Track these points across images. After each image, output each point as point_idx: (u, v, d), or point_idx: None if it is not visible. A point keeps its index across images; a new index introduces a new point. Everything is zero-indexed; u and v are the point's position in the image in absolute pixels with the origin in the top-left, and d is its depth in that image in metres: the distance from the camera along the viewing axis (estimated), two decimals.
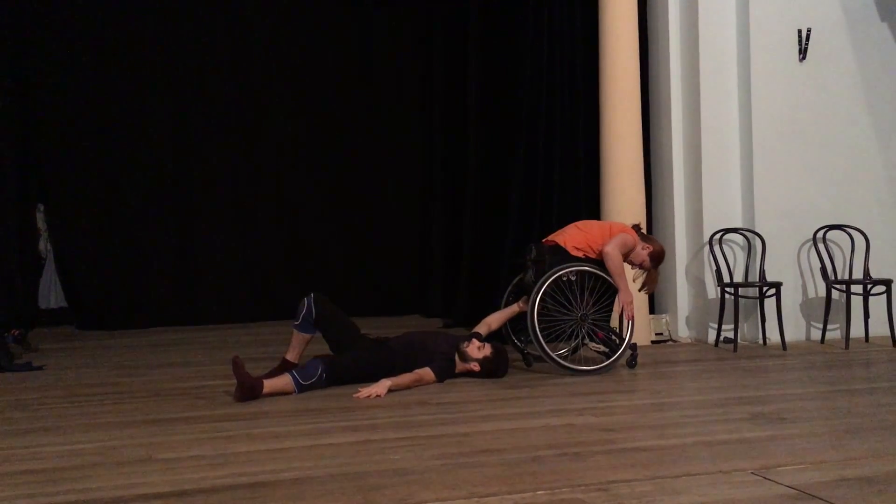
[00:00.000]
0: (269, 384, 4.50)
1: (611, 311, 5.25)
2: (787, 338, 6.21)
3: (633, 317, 5.16)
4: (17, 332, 6.40)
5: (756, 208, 6.48)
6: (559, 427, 3.71)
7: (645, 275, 5.42)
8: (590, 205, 6.82)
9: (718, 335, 6.35)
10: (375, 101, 9.06)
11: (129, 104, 8.33)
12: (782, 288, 6.23)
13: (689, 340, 6.64)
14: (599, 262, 5.20)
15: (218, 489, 2.85)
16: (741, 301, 6.25)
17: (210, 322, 8.23)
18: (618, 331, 5.30)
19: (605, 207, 6.47)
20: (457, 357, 4.94)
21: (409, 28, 9.10)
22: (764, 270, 6.39)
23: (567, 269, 5.12)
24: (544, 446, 3.37)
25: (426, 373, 4.77)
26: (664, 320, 6.70)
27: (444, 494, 2.76)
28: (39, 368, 5.62)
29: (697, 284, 6.65)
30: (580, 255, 5.20)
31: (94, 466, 3.16)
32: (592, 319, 5.18)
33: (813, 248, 6.52)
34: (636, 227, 5.47)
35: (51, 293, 8.62)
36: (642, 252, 5.31)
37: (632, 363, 5.30)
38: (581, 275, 5.15)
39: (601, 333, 5.19)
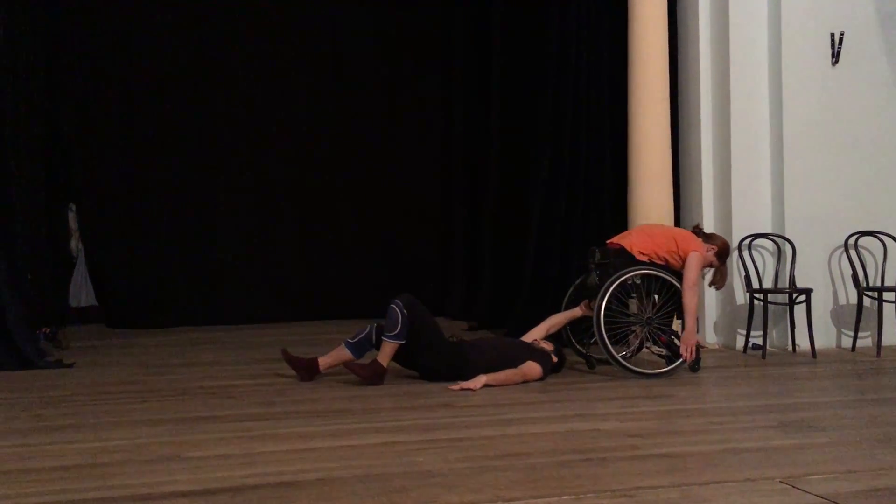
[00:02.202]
0: (324, 361, 4.84)
1: (674, 315, 5.29)
2: (817, 345, 6.13)
3: (690, 360, 5.15)
4: (48, 329, 6.49)
5: (786, 213, 6.41)
6: (584, 432, 3.69)
7: (713, 271, 5.47)
8: (616, 208, 6.78)
9: (747, 342, 6.28)
10: (396, 101, 9.08)
11: (156, 108, 8.42)
12: (812, 294, 6.15)
13: (717, 346, 6.58)
14: (663, 266, 5.24)
15: (244, 488, 2.87)
16: (770, 307, 6.18)
17: (233, 322, 8.29)
18: (680, 335, 5.31)
19: (631, 211, 6.42)
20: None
21: (431, 27, 9.11)
22: (794, 276, 6.32)
23: (633, 273, 5.14)
24: (569, 451, 3.35)
25: (530, 367, 4.85)
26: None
27: (469, 498, 2.75)
28: (70, 366, 5.69)
29: (726, 290, 6.57)
30: (645, 259, 5.25)
31: (123, 464, 3.20)
32: (657, 323, 5.21)
33: (844, 255, 6.43)
34: (697, 229, 5.55)
35: (81, 292, 8.73)
36: (708, 254, 5.38)
37: (695, 367, 5.29)
38: (646, 278, 5.19)
39: (664, 337, 5.22)
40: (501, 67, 7.85)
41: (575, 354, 5.52)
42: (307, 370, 4.92)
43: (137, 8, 8.38)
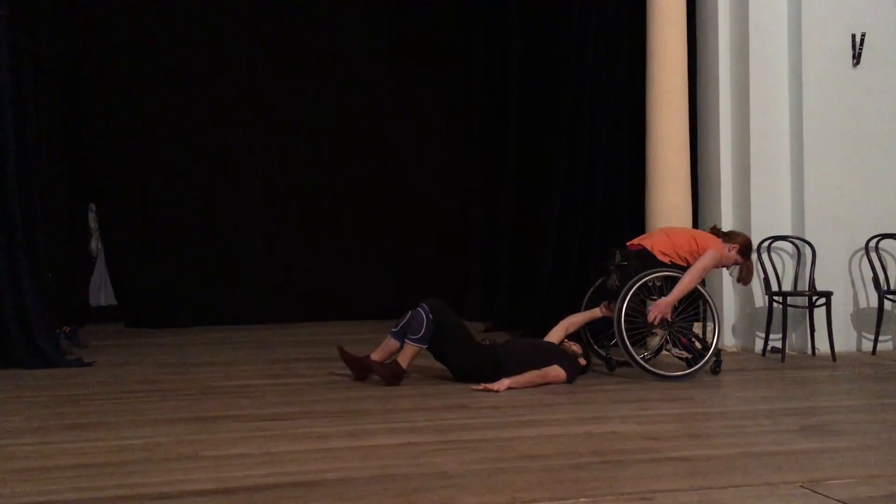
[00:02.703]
0: (376, 354, 4.87)
1: (695, 317, 5.28)
2: (837, 348, 6.08)
3: (652, 320, 5.11)
4: (68, 328, 6.54)
5: (806, 216, 6.36)
6: (602, 434, 3.68)
7: (739, 268, 5.47)
8: (634, 211, 6.75)
9: (766, 344, 6.24)
10: (412, 102, 9.06)
11: (174, 112, 8.47)
12: (833, 297, 6.10)
13: (735, 349, 6.54)
14: (685, 268, 5.23)
15: (262, 488, 2.88)
16: (790, 310, 6.14)
17: (250, 322, 8.33)
18: (701, 337, 5.30)
19: (650, 214, 6.39)
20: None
21: (448, 31, 9.10)
22: (814, 279, 6.27)
23: (654, 275, 5.13)
24: (587, 453, 3.34)
25: (553, 370, 4.85)
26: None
27: (487, 499, 2.75)
28: (89, 365, 5.73)
29: (744, 292, 6.54)
30: (667, 260, 5.24)
31: (141, 462, 3.22)
32: (678, 325, 5.20)
33: (865, 258, 6.37)
34: (715, 230, 5.54)
35: (101, 291, 8.80)
36: (731, 254, 5.36)
37: (715, 370, 5.27)
38: (668, 281, 5.19)
39: (684, 339, 5.21)
40: (519, 72, 7.85)
41: (594, 356, 5.51)
42: (360, 369, 4.91)
43: (157, 12, 8.43)
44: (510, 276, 7.84)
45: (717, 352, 5.30)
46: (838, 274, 6.39)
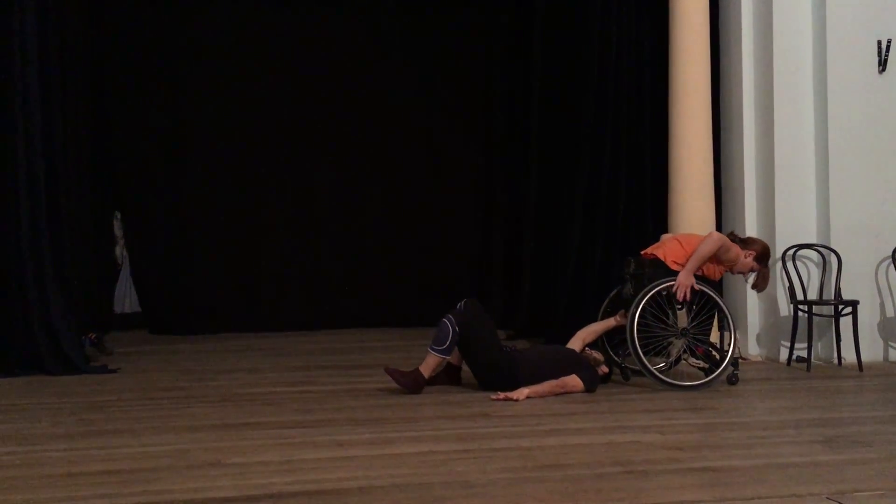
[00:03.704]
0: (424, 368, 4.83)
1: (711, 326, 5.23)
2: (864, 358, 6.00)
3: (684, 299, 5.08)
4: (93, 335, 6.60)
5: (832, 224, 6.29)
6: (624, 444, 3.66)
7: (755, 274, 5.41)
8: (656, 218, 6.72)
9: (791, 354, 6.18)
10: (436, 111, 9.08)
11: (199, 118, 8.54)
12: (859, 306, 6.03)
13: (760, 359, 6.48)
14: (699, 276, 5.18)
15: (284, 495, 2.90)
16: (815, 319, 6.07)
17: (273, 329, 8.37)
18: (718, 346, 5.25)
19: (672, 221, 6.36)
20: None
21: (469, 42, 9.12)
22: (840, 288, 6.20)
23: (667, 283, 5.10)
24: (609, 463, 3.32)
25: (572, 380, 4.84)
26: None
27: None
28: (114, 371, 5.79)
29: (769, 301, 6.48)
30: (679, 269, 5.18)
31: (166, 469, 3.24)
32: (693, 334, 5.16)
33: (892, 266, 6.30)
34: (732, 236, 5.48)
35: (125, 298, 8.90)
36: (747, 260, 5.30)
37: (732, 380, 5.22)
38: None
39: (701, 348, 5.17)
40: (540, 83, 7.85)
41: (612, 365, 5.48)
42: (413, 384, 4.81)
43: (184, 20, 8.52)
44: (533, 284, 7.83)
45: (735, 361, 5.25)
46: (864, 283, 6.31)
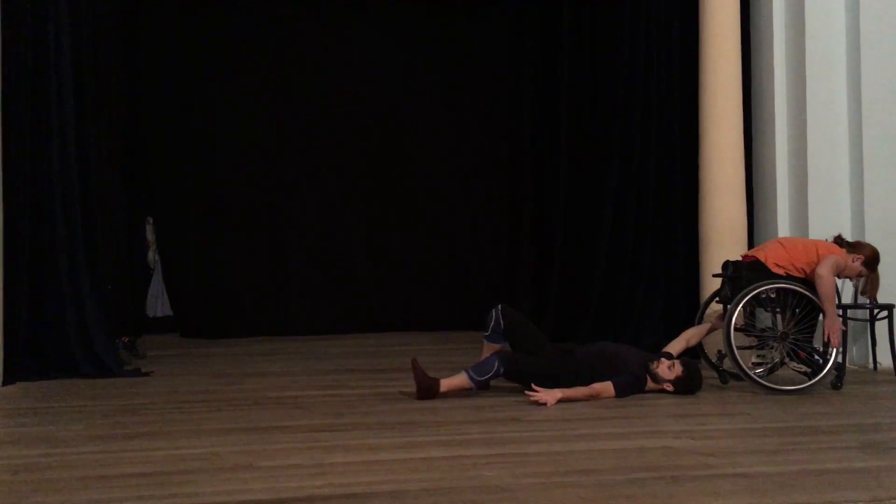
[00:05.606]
0: (446, 383, 4.75)
1: (813, 330, 5.17)
2: None
3: (838, 345, 5.06)
4: (126, 339, 6.68)
5: (867, 226, 6.20)
6: (656, 449, 3.63)
7: (864, 280, 5.35)
8: (687, 222, 6.67)
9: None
10: (464, 117, 9.10)
11: (231, 125, 8.64)
12: (895, 310, 5.93)
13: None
14: (802, 280, 5.13)
15: (315, 498, 2.91)
16: (850, 324, 5.98)
17: (304, 333, 8.42)
18: (821, 350, 5.18)
19: (703, 226, 6.32)
20: (648, 377, 4.93)
21: (496, 44, 9.11)
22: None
23: (766, 287, 5.06)
24: (641, 468, 3.29)
25: (605, 387, 4.77)
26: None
27: None
28: (147, 374, 5.86)
29: None
30: (781, 272, 5.14)
31: (198, 472, 3.27)
32: (794, 338, 5.11)
33: None
34: (839, 239, 5.40)
35: (158, 302, 9.00)
36: (854, 265, 5.23)
37: (837, 384, 5.15)
38: (781, 292, 5.10)
39: (803, 353, 5.11)
40: (569, 90, 7.84)
41: (708, 368, 5.45)
42: (427, 390, 4.76)
43: (216, 26, 8.62)
44: (561, 290, 7.80)
45: (839, 366, 5.17)
46: None
